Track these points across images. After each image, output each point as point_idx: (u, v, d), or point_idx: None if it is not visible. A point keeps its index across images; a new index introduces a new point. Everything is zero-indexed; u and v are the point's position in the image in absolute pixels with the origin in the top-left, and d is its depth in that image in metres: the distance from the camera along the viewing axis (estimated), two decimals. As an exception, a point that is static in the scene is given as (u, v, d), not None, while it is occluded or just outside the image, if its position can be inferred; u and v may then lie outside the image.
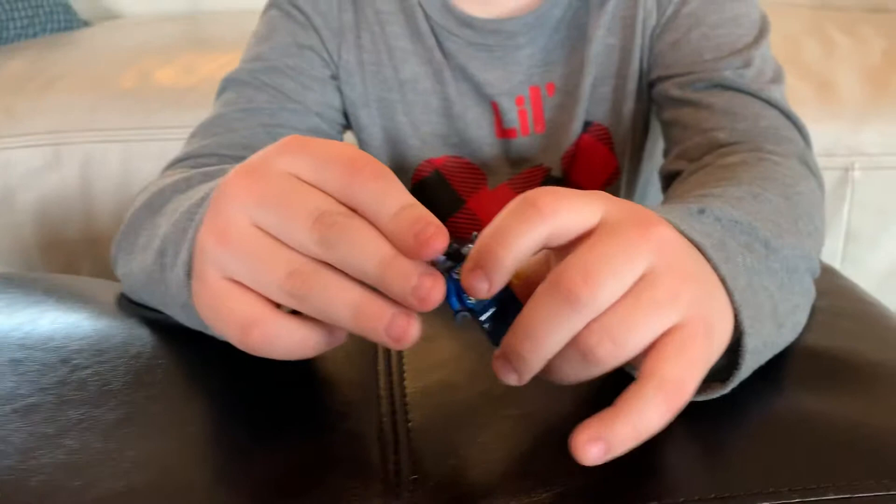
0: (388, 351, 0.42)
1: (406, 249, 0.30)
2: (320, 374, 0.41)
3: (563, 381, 0.32)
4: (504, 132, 0.72)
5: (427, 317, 0.46)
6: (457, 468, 0.34)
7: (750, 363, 0.36)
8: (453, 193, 0.74)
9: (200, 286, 0.34)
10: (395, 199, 0.30)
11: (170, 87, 1.11)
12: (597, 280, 0.29)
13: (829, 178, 1.06)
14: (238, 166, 0.33)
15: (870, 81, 1.13)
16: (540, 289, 0.30)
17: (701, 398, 0.36)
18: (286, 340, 0.32)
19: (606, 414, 0.29)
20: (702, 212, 0.40)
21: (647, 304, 0.30)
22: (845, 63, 1.18)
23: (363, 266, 0.30)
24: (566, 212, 0.31)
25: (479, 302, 0.33)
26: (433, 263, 0.31)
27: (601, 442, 0.28)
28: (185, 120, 1.13)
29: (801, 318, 0.43)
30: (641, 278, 0.30)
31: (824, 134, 1.05)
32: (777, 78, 0.64)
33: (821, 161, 0.61)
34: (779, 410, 0.37)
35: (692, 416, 0.37)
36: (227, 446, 0.36)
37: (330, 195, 0.31)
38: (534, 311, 0.30)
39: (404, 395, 0.39)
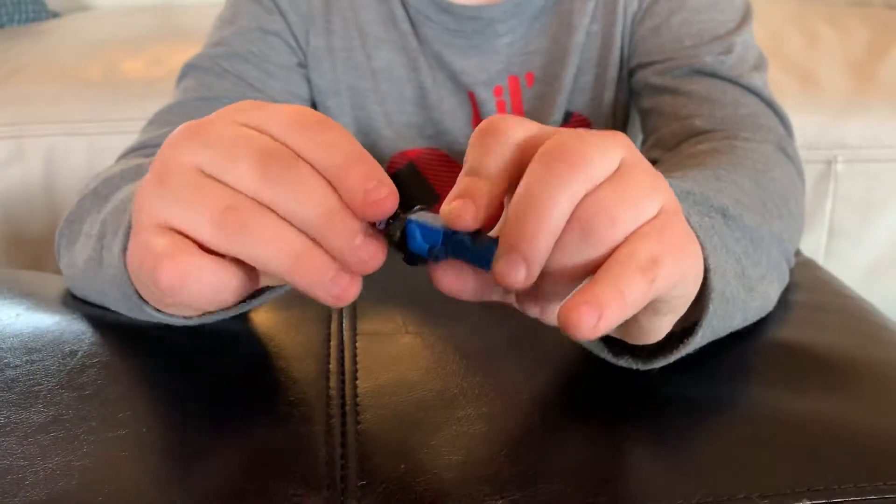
0: (340, 348, 0.40)
1: (353, 205, 0.28)
2: (267, 371, 0.39)
3: (561, 279, 0.29)
4: None
5: (383, 312, 0.44)
6: (407, 473, 0.32)
7: (718, 311, 0.35)
8: (428, 187, 0.72)
9: (132, 241, 0.31)
10: (344, 150, 0.28)
11: (138, 79, 1.08)
12: (589, 144, 0.28)
13: (811, 171, 1.05)
14: (186, 122, 0.31)
15: (853, 74, 1.12)
16: (533, 164, 0.28)
17: (672, 356, 0.35)
18: (203, 279, 0.29)
19: (588, 284, 0.27)
20: None
21: (634, 185, 0.29)
22: (829, 56, 1.17)
23: (306, 211, 0.28)
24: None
25: (442, 231, 0.30)
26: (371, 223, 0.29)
27: (594, 306, 0.26)
28: (152, 112, 1.10)
29: (772, 293, 0.42)
30: (620, 166, 0.29)
31: (807, 126, 1.03)
32: (759, 65, 0.62)
33: (803, 154, 0.59)
34: (752, 409, 0.35)
35: (659, 414, 0.35)
36: (162, 450, 0.34)
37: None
38: (533, 182, 0.28)
39: (356, 395, 0.37)
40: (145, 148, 0.59)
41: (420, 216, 0.30)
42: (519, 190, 0.29)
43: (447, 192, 0.30)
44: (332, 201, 0.28)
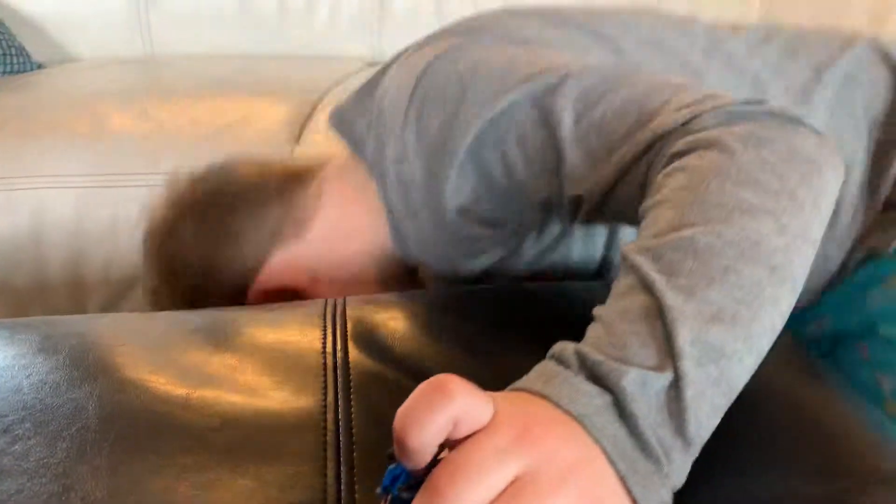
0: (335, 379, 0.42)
1: None
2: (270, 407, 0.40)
3: None
4: None
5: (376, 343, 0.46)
6: None
7: None
8: None
9: None
10: None
11: (125, 132, 1.10)
12: (461, 482, 0.30)
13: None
14: None
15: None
16: (419, 496, 0.31)
17: None
18: None
19: None
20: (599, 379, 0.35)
21: None
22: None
23: None
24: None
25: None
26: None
27: None
28: (140, 166, 1.11)
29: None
30: (515, 481, 0.30)
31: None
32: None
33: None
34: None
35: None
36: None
37: None
38: None
39: (350, 423, 0.38)
40: None
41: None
42: None
43: None
44: None
